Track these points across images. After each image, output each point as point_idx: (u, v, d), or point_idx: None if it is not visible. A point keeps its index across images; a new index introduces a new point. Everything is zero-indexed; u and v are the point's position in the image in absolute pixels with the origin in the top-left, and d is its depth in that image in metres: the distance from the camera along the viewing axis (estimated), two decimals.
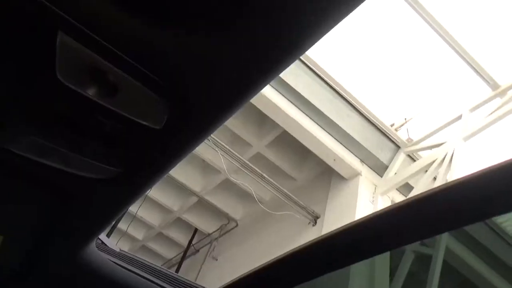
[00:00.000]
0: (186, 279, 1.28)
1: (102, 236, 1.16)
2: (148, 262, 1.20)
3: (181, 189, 6.23)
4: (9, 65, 0.49)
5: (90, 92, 0.51)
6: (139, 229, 7.21)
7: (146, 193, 0.75)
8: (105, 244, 1.09)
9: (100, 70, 0.50)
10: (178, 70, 0.52)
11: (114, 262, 1.08)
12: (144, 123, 0.55)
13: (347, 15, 0.44)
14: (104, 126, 0.54)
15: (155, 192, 6.16)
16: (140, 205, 6.15)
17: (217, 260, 6.10)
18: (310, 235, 4.78)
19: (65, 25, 0.45)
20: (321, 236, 0.81)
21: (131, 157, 0.61)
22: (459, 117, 4.55)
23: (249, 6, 0.44)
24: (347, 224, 0.77)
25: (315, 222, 4.92)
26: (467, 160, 4.34)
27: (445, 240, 3.69)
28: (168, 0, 0.45)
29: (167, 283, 1.13)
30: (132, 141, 0.58)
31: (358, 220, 0.76)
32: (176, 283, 1.18)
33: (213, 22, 0.46)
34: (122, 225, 6.24)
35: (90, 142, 0.57)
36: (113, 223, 5.72)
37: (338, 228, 0.78)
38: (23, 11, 0.43)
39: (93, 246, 1.00)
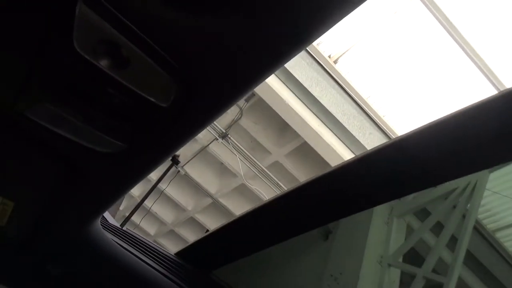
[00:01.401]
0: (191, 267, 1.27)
1: (108, 217, 1.19)
2: (152, 243, 1.22)
3: (197, 189, 6.28)
4: (28, 32, 0.51)
5: (103, 64, 0.53)
6: (152, 224, 7.30)
7: (150, 174, 0.77)
8: (110, 223, 1.11)
9: (115, 43, 0.52)
10: (190, 51, 0.53)
11: (117, 243, 1.11)
12: (152, 99, 0.56)
13: (355, 6, 0.45)
14: (113, 99, 0.56)
15: (171, 189, 6.23)
16: (156, 200, 6.24)
17: None
18: (321, 249, 4.72)
19: None
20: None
21: (137, 133, 0.63)
22: None
23: None
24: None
25: (327, 237, 4.85)
26: (489, 191, 4.20)
27: (458, 269, 3.56)
28: None
29: (167, 270, 1.14)
30: (139, 116, 0.59)
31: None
32: (177, 270, 1.19)
33: (229, 5, 0.48)
34: (135, 218, 6.33)
35: (99, 115, 0.59)
36: (128, 215, 5.81)
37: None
38: None
39: (97, 224, 1.03)
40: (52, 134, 0.67)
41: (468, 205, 4.21)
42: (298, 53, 0.52)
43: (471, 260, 4.97)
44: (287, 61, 0.52)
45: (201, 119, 0.61)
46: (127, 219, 5.88)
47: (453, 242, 4.08)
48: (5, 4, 0.50)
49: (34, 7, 0.50)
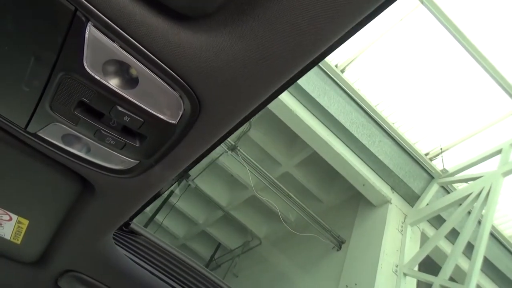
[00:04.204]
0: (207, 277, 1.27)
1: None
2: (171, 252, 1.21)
3: (208, 202, 6.28)
4: (40, 54, 0.53)
5: (113, 83, 0.54)
6: (163, 238, 7.29)
7: (161, 190, 0.78)
8: (122, 237, 1.12)
9: (124, 63, 0.53)
10: (198, 69, 0.54)
11: (129, 258, 1.11)
12: (161, 116, 0.57)
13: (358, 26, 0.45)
14: (123, 117, 0.57)
15: (182, 203, 6.24)
16: (167, 214, 6.25)
17: (237, 277, 6.05)
18: (334, 260, 4.67)
19: (94, 19, 0.49)
20: None
21: (147, 150, 0.64)
22: (499, 151, 4.36)
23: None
24: None
25: (340, 247, 4.80)
26: (505, 196, 4.13)
27: (476, 276, 3.49)
28: (191, 2, 0.48)
29: (179, 283, 1.14)
30: (148, 133, 0.60)
31: None
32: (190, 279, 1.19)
33: (236, 24, 0.48)
34: None
35: (110, 132, 0.60)
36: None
37: None
38: (55, 2, 0.47)
39: (110, 239, 1.04)
40: (64, 152, 0.69)
41: (483, 211, 4.14)
42: (306, 72, 0.53)
43: (488, 267, 4.86)
44: (295, 81, 0.53)
45: (211, 134, 0.62)
46: None
47: (469, 249, 4.01)
48: (18, 26, 0.52)
49: (45, 29, 0.51)
